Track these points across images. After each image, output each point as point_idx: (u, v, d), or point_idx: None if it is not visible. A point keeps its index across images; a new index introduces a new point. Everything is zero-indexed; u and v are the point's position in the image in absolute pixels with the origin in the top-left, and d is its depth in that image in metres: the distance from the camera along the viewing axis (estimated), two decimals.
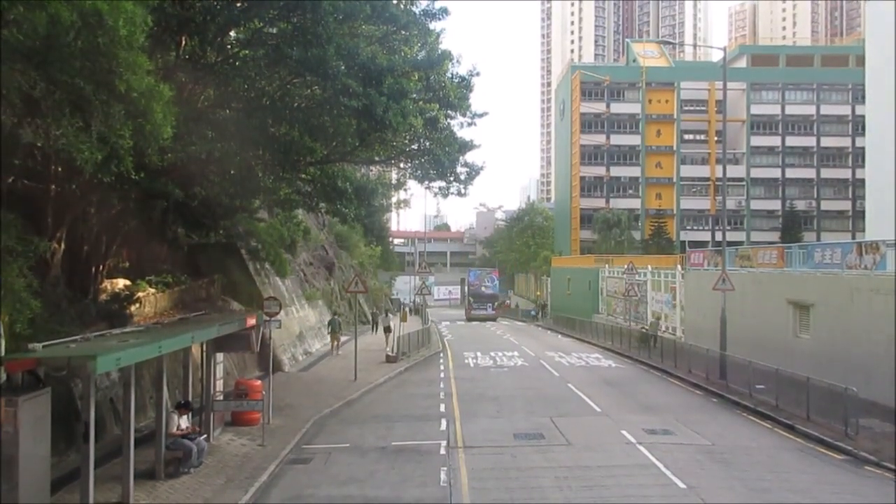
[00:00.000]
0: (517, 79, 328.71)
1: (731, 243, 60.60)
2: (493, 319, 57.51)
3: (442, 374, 25.35)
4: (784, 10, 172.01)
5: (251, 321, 14.25)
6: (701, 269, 31.10)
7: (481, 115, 19.89)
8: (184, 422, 12.64)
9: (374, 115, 12.79)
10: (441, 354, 31.89)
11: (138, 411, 14.77)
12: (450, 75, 18.61)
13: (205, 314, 17.26)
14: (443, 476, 12.51)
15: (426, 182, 22.78)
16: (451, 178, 21.40)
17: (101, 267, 19.40)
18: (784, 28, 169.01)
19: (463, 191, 21.21)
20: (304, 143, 14.54)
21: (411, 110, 14.18)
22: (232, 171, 17.30)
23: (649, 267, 41.07)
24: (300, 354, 27.95)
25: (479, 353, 31.17)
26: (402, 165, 24.25)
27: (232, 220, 26.38)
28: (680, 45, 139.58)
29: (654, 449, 14.08)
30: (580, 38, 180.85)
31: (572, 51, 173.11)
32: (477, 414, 18.00)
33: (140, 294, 19.93)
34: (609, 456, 13.77)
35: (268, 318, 16.45)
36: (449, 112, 19.87)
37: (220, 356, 15.40)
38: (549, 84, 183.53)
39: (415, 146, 20.60)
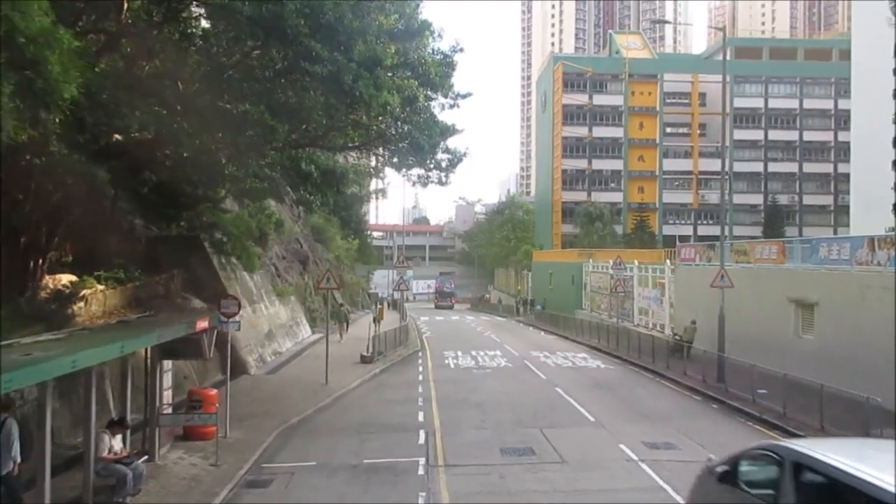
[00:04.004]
0: (496, 73, 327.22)
1: (712, 238, 59.78)
2: (451, 307, 78.57)
3: (421, 377, 23.67)
4: (763, 6, 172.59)
5: (202, 324, 12.42)
6: (692, 265, 29.73)
7: (464, 96, 18.22)
8: (117, 443, 10.80)
9: (341, 84, 11.00)
10: (420, 354, 30.21)
11: (76, 425, 12.93)
12: (430, 51, 16.93)
13: (149, 315, 15.39)
14: (421, 502, 10.87)
15: (404, 170, 21.10)
16: (431, 166, 19.72)
17: (40, 261, 17.46)
18: (763, 24, 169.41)
19: (444, 179, 19.52)
20: (265, 121, 12.70)
21: (386, 83, 12.45)
22: (185, 154, 15.41)
23: (636, 262, 39.72)
24: (269, 355, 26.08)
25: (459, 353, 29.52)
26: (379, 152, 22.52)
27: (195, 211, 24.50)
28: (666, 22, 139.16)
29: (660, 468, 12.53)
30: (561, 31, 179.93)
31: (553, 44, 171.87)
32: (459, 424, 16.35)
33: (86, 291, 17.93)
34: (609, 476, 12.19)
35: (225, 320, 14.60)
36: (429, 93, 18.17)
37: (168, 363, 13.54)
38: (529, 77, 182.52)
39: (392, 130, 18.87)
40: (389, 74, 15.37)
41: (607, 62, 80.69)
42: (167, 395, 13.47)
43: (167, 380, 13.51)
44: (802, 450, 6.98)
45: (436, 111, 18.85)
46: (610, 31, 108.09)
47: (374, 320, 33.80)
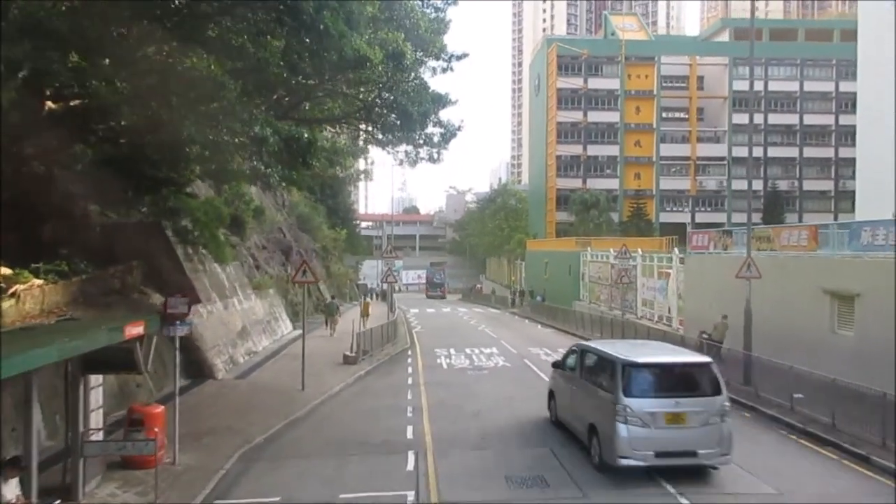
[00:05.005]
0: (486, 62, 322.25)
1: (710, 225, 57.55)
2: (443, 297, 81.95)
3: (410, 380, 21.20)
4: None
5: (134, 330, 9.86)
6: (705, 253, 27.37)
7: (460, 57, 15.66)
8: (10, 490, 8.27)
9: (300, 16, 8.43)
10: (409, 351, 27.75)
11: None
12: (418, 2, 14.37)
13: (69, 319, 12.83)
14: None
15: (390, 147, 18.59)
16: (421, 141, 17.23)
17: None
18: (756, 8, 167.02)
19: (436, 156, 17.06)
20: (214, 76, 10.10)
21: (361, 22, 9.89)
22: (123, 123, 12.78)
23: (640, 250, 37.37)
24: (241, 355, 23.52)
25: (452, 351, 27.06)
26: (363, 127, 19.93)
27: (159, 195, 21.94)
28: None
29: (704, 501, 10.16)
30: (552, 17, 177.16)
31: (544, 30, 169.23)
32: (454, 442, 13.90)
33: (19, 287, 15.35)
34: None
35: (171, 323, 12.05)
36: (420, 55, 15.65)
37: (97, 378, 10.99)
38: (520, 64, 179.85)
39: (377, 101, 16.27)
40: (370, 30, 12.85)
41: (603, 44, 78.03)
42: (96, 417, 10.92)
43: (96, 397, 10.95)
44: (585, 344, 14.98)
45: (426, 77, 16.31)
46: (605, 12, 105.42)
47: (360, 315, 31.96)
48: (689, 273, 28.72)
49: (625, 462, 11.13)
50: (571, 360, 14.39)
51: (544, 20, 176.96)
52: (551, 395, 15.48)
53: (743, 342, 19.24)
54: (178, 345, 12.49)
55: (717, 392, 11.61)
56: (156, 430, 10.90)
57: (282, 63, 10.43)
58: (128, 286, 20.69)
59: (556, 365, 15.44)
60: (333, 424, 15.67)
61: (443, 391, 19.13)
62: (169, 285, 22.12)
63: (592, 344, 14.71)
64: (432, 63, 15.70)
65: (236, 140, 11.63)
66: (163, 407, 12.43)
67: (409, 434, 14.53)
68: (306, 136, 11.56)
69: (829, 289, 18.96)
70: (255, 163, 13.21)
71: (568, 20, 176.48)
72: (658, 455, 11.12)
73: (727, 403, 11.71)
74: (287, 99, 17.31)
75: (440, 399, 18.04)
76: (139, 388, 16.93)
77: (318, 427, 15.41)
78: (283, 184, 18.54)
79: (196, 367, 20.22)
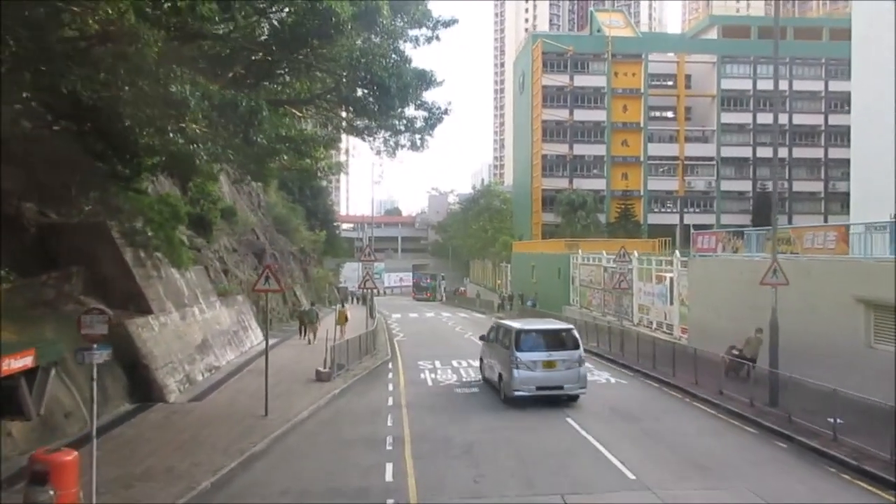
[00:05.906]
0: (467, 64, 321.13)
1: (701, 226, 55.65)
2: (429, 300, 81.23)
3: (390, 400, 18.69)
4: None
5: (15, 363, 7.29)
6: (712, 256, 25.20)
7: (447, 24, 13.20)
8: None
9: None
10: (390, 364, 25.20)
11: None
12: None
13: None
14: None
15: (366, 134, 16.15)
16: (402, 126, 14.81)
17: None
18: (738, 8, 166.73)
19: (419, 142, 14.59)
20: (127, 22, 7.58)
21: None
22: (26, 96, 10.18)
23: (636, 253, 35.19)
24: (200, 372, 20.86)
25: (437, 363, 24.61)
26: (337, 112, 17.44)
27: (106, 192, 19.36)
28: None
29: None
30: (535, 17, 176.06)
31: (526, 30, 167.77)
32: (443, 486, 11.44)
33: None
34: None
35: (86, 348, 9.48)
36: (399, 23, 13.23)
37: None
38: (502, 65, 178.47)
39: (350, 77, 13.77)
40: None
41: (589, 41, 76.12)
42: None
43: None
44: (499, 321, 21.50)
45: (407, 50, 13.85)
46: (591, 8, 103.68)
47: (336, 324, 29.90)
48: (693, 277, 26.52)
49: (517, 394, 16.93)
50: (492, 334, 19.99)
51: (527, 20, 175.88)
52: (481, 360, 21.33)
53: (769, 358, 16.96)
54: (94, 374, 9.89)
55: (577, 347, 17.51)
56: (51, 492, 8.30)
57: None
58: (64, 296, 18.01)
59: (482, 338, 21.19)
60: (298, 462, 13.12)
61: (428, 416, 16.65)
62: (115, 294, 19.49)
63: (502, 321, 21.15)
64: (414, 32, 13.27)
65: (146, 112, 8.95)
66: (76, 453, 9.79)
67: (389, 475, 12.04)
68: (246, 102, 9.02)
69: (863, 297, 16.79)
70: (171, 135, 10.49)
71: (550, 20, 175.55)
72: (538, 388, 16.94)
73: (583, 354, 17.64)
74: (248, 81, 14.87)
75: (425, 427, 15.55)
76: (69, 419, 14.28)
77: (280, 466, 12.84)
78: (217, 164, 15.98)
79: (143, 389, 17.58)
